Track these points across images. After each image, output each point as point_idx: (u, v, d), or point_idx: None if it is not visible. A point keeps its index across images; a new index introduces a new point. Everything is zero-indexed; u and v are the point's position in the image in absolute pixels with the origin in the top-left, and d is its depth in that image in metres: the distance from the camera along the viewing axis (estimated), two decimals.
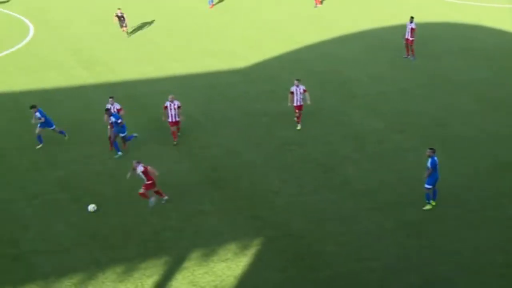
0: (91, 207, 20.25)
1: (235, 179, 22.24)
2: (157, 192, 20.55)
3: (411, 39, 33.12)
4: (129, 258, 18.04)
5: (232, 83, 30.93)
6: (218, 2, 43.94)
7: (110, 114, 23.66)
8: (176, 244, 18.70)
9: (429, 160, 19.57)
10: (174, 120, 24.30)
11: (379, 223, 19.55)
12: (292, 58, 34.16)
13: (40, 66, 32.81)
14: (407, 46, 33.49)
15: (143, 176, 20.11)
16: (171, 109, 24.11)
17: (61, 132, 24.98)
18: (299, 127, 25.66)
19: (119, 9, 37.14)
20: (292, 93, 25.32)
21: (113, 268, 17.62)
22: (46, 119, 24.33)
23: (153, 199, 20.36)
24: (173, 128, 24.49)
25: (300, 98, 25.30)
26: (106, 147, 24.17)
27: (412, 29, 32.98)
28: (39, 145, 24.49)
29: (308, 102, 25.42)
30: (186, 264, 17.81)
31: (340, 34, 37.78)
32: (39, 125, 24.34)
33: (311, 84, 28.17)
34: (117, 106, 24.34)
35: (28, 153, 24.04)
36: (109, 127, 23.88)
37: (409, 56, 33.46)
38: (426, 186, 19.87)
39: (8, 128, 26.14)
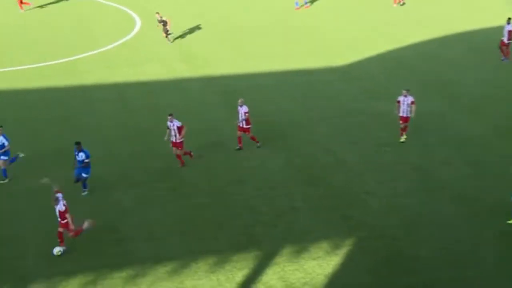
0: (56, 250, 18.02)
1: (329, 177, 22.10)
2: (60, 236, 18.13)
3: (507, 42, 31.68)
4: (220, 250, 18.33)
5: (330, 81, 30.72)
6: (312, 1, 43.55)
7: (80, 149, 20.56)
8: (267, 239, 18.82)
9: None
10: (240, 124, 23.69)
11: (477, 230, 18.84)
12: (392, 57, 33.50)
13: (143, 58, 33.85)
14: (502, 48, 32.07)
15: (58, 214, 17.87)
16: (238, 113, 23.47)
17: (12, 161, 22.24)
18: (402, 139, 24.23)
19: (157, 13, 35.74)
20: (399, 102, 24.05)
21: (206, 258, 17.95)
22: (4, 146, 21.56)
23: (61, 248, 18.07)
24: (239, 133, 23.76)
25: (406, 109, 23.86)
26: (207, 139, 24.56)
27: (509, 31, 31.48)
28: (4, 179, 21.97)
29: (412, 114, 23.93)
30: (277, 259, 17.88)
31: (442, 34, 36.62)
32: (1, 156, 21.69)
33: (412, 84, 27.50)
34: (178, 123, 22.28)
35: (130, 142, 24.90)
36: (171, 145, 22.60)
37: (506, 58, 32.02)
38: None
39: (111, 118, 27.18)
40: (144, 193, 21.36)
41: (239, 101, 23.67)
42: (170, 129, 22.39)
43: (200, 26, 38.85)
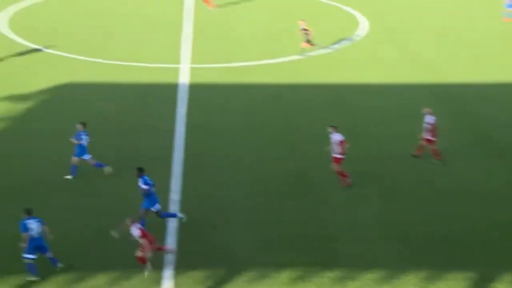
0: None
1: None
2: (159, 249, 17.08)
3: None
4: (431, 263, 17.43)
5: None
6: None
7: (140, 176, 17.94)
8: (484, 258, 17.62)
9: None
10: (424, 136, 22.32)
11: None
12: None
13: (366, 61, 33.34)
14: None
15: (140, 240, 16.56)
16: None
17: (98, 165, 21.09)
18: None
19: (301, 20, 33.75)
20: None
21: (416, 269, 17.16)
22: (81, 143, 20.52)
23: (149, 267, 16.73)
24: (423, 143, 22.46)
25: None
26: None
27: None
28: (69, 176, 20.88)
29: None
30: (494, 285, 16.57)
31: None
32: (78, 149, 20.66)
33: None
34: (339, 137, 20.57)
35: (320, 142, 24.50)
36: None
37: None
38: None
39: (327, 117, 26.84)
40: (353, 193, 21.01)
41: (425, 110, 22.42)
42: (332, 142, 20.90)
43: (431, 30, 37.57)
